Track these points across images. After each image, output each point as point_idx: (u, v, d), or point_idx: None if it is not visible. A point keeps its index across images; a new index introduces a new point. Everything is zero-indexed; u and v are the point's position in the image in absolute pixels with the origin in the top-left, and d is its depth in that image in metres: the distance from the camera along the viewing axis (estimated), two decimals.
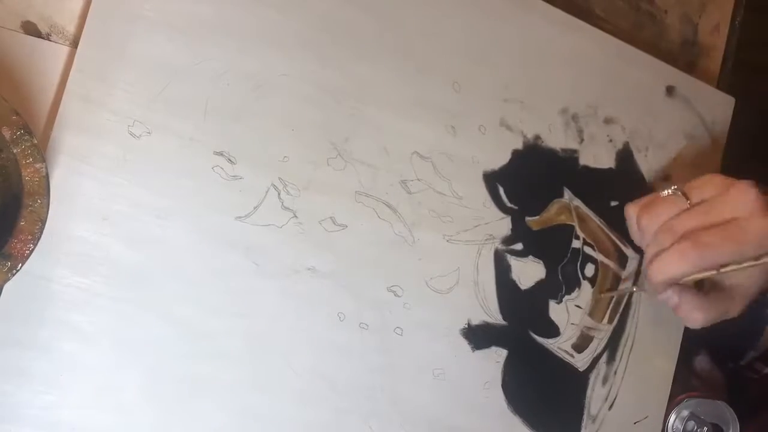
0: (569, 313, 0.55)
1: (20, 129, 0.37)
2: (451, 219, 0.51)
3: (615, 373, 0.56)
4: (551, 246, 0.55)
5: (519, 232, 0.53)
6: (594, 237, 0.56)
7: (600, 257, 0.56)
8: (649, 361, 0.57)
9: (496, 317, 0.53)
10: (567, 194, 0.55)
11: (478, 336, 0.52)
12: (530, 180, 0.54)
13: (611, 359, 0.56)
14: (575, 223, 0.55)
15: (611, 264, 0.57)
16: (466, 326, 0.52)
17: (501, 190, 0.53)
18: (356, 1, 0.49)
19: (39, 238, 0.37)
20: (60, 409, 0.42)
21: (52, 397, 0.42)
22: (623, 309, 0.57)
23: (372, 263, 0.49)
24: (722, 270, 0.46)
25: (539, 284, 0.54)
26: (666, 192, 0.50)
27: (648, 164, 0.58)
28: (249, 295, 0.46)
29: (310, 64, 0.48)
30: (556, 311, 0.55)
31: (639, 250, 0.58)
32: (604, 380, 0.56)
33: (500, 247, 0.53)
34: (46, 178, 0.38)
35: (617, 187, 0.57)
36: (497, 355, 0.53)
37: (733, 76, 0.65)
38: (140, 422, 0.43)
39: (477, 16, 0.52)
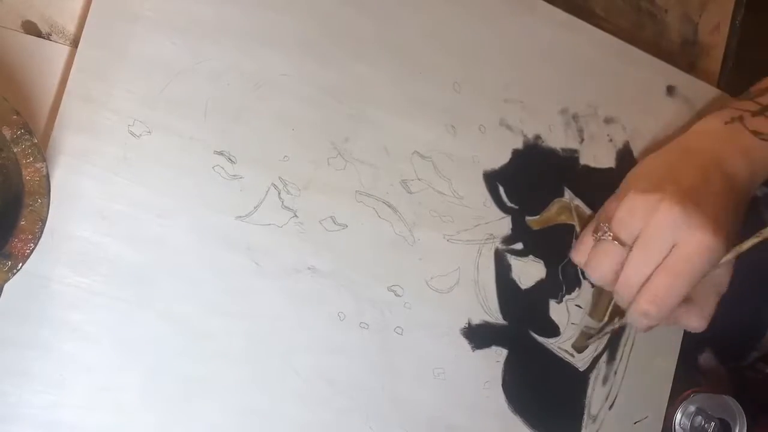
0: (569, 313, 0.55)
1: (20, 128, 0.37)
2: (452, 218, 0.51)
3: (615, 372, 0.56)
4: (552, 245, 0.55)
5: (519, 231, 0.53)
6: None
7: None
8: (649, 361, 0.57)
9: (496, 317, 0.52)
10: (567, 194, 0.55)
11: (478, 335, 0.52)
12: (530, 180, 0.54)
13: (611, 359, 0.56)
14: (576, 223, 0.55)
15: None
16: (467, 326, 0.52)
17: (501, 190, 0.53)
18: (356, 1, 0.49)
19: (39, 238, 0.37)
20: (60, 409, 0.42)
21: (52, 397, 0.42)
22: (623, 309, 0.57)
23: (372, 263, 0.49)
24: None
25: (539, 284, 0.54)
26: (596, 235, 0.50)
27: None
28: (249, 295, 0.46)
29: (311, 64, 0.48)
30: (557, 311, 0.55)
31: None
32: (605, 380, 0.56)
33: (500, 246, 0.53)
34: (47, 177, 0.38)
35: (618, 186, 0.57)
36: (497, 355, 0.52)
37: (733, 76, 0.65)
38: (140, 422, 0.43)
39: (477, 16, 0.52)
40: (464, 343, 0.51)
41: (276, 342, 0.46)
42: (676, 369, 0.58)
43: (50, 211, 0.38)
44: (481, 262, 0.52)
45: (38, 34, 0.43)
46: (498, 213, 0.53)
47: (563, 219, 0.55)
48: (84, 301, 0.42)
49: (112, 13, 0.43)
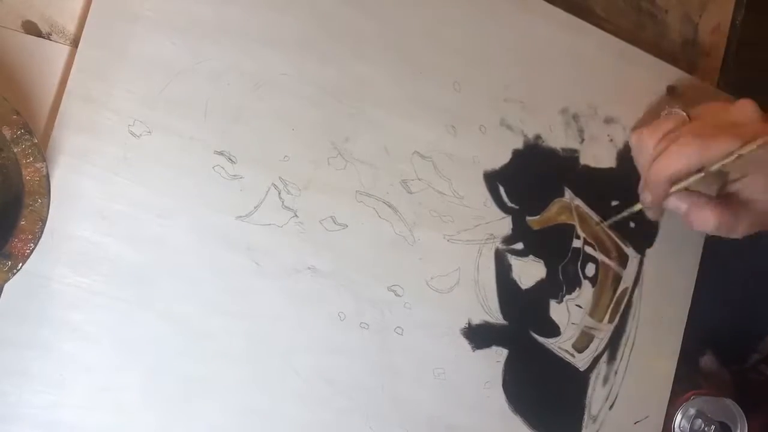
0: (570, 313, 0.55)
1: (21, 128, 0.37)
2: (452, 218, 0.51)
3: (615, 372, 0.56)
4: (552, 245, 0.55)
5: (519, 231, 0.53)
6: (595, 237, 0.56)
7: (600, 257, 0.56)
8: (649, 361, 0.57)
9: (496, 317, 0.52)
10: (568, 194, 0.55)
11: (478, 336, 0.52)
12: (531, 180, 0.54)
13: (612, 359, 0.56)
14: (576, 223, 0.55)
15: (612, 264, 0.57)
16: (467, 326, 0.52)
17: (502, 190, 0.53)
18: (356, 1, 0.49)
19: (39, 238, 0.37)
20: (60, 409, 0.42)
21: (52, 397, 0.42)
22: (624, 309, 0.57)
23: (372, 263, 0.49)
24: (716, 165, 0.46)
25: (540, 284, 0.54)
26: (665, 112, 0.51)
27: None
28: (249, 295, 0.46)
29: (311, 64, 0.48)
30: (557, 311, 0.55)
31: (640, 250, 0.58)
32: (605, 380, 0.56)
33: (501, 246, 0.53)
34: (47, 177, 0.38)
35: (618, 186, 0.57)
36: (498, 355, 0.52)
37: (733, 76, 0.65)
38: (140, 422, 0.43)
39: (477, 16, 0.52)
40: (464, 343, 0.51)
41: (276, 342, 0.46)
42: (677, 371, 0.58)
43: (50, 211, 0.38)
44: (481, 262, 0.52)
45: (38, 34, 0.43)
46: (498, 213, 0.53)
47: (563, 219, 0.55)
48: (84, 301, 0.42)
49: (112, 13, 0.43)
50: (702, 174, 0.47)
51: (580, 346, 0.55)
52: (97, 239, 0.43)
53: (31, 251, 0.37)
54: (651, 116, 0.54)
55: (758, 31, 0.68)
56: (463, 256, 0.52)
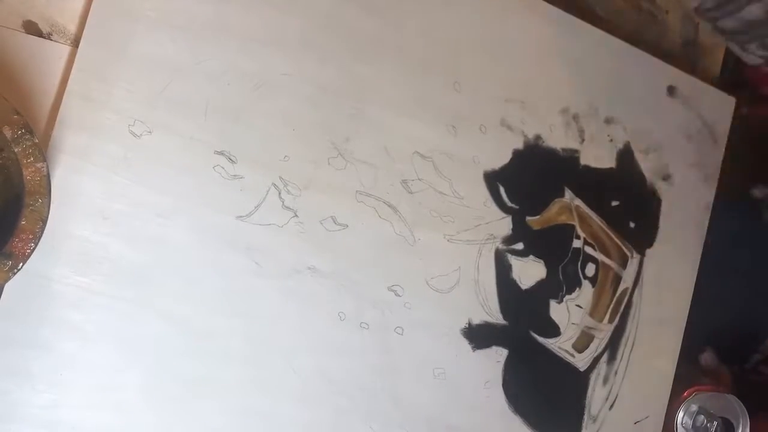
0: (570, 313, 0.55)
1: (21, 128, 0.37)
2: (452, 219, 0.51)
3: (615, 373, 0.56)
4: (552, 246, 0.55)
5: (520, 231, 0.53)
6: (595, 237, 0.56)
7: (601, 257, 0.56)
8: (649, 361, 0.57)
9: (496, 317, 0.52)
10: (568, 194, 0.55)
11: (478, 336, 0.52)
12: (531, 180, 0.54)
13: (612, 359, 0.56)
14: (576, 223, 0.55)
15: (612, 264, 0.57)
16: (467, 326, 0.52)
17: (502, 190, 0.53)
18: (356, 1, 0.49)
19: (40, 238, 0.37)
20: (60, 408, 0.42)
21: (53, 396, 0.42)
22: (624, 309, 0.57)
23: (373, 263, 0.49)
24: None
25: (540, 284, 0.54)
26: None
27: (648, 164, 0.58)
28: (249, 295, 0.46)
29: (311, 64, 0.48)
30: (557, 311, 0.55)
31: (640, 250, 0.58)
32: (605, 380, 0.56)
33: (501, 246, 0.53)
34: (47, 177, 0.38)
35: (618, 187, 0.57)
36: (498, 355, 0.52)
37: (733, 76, 0.65)
38: (140, 421, 0.43)
39: (477, 16, 0.52)
40: (464, 343, 0.51)
41: (276, 342, 0.46)
42: (677, 368, 0.58)
43: (51, 210, 0.38)
44: (481, 262, 0.52)
45: (39, 33, 0.43)
46: (498, 213, 0.53)
47: (563, 219, 0.55)
48: (84, 300, 0.42)
49: (112, 12, 0.43)
50: None
51: (580, 346, 0.55)
52: (98, 239, 0.43)
53: (32, 251, 0.37)
54: None
55: None
56: (463, 256, 0.52)
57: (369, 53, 0.49)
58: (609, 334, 0.56)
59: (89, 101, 0.42)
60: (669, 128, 0.59)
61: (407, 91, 0.50)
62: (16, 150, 0.37)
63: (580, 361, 0.55)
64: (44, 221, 0.38)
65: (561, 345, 0.55)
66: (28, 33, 0.43)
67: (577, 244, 0.55)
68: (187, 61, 0.45)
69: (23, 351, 0.41)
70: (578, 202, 0.56)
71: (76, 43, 0.43)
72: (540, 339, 0.54)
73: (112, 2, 0.43)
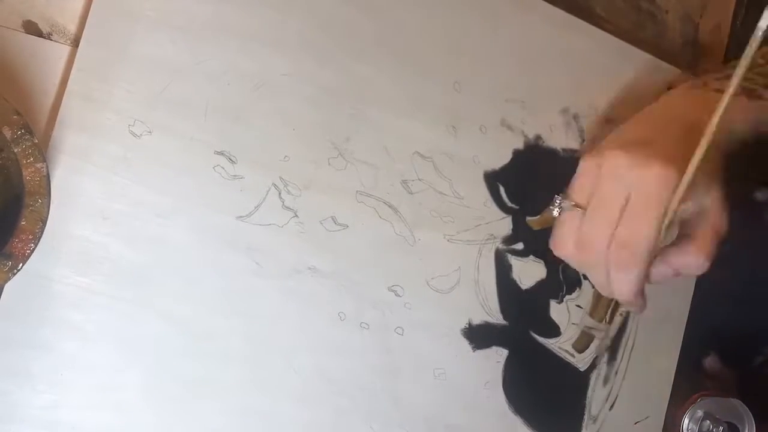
0: (570, 313, 0.55)
1: (21, 128, 0.37)
2: (452, 219, 0.51)
3: (616, 373, 0.56)
4: None
5: (520, 231, 0.53)
6: None
7: None
8: (649, 361, 0.57)
9: (496, 317, 0.52)
10: None
11: (478, 336, 0.52)
12: (531, 180, 0.54)
13: (612, 359, 0.56)
14: None
15: None
16: (467, 326, 0.52)
17: (502, 190, 0.53)
18: (356, 1, 0.49)
19: (40, 238, 0.37)
20: (60, 409, 0.42)
21: (53, 397, 0.42)
22: (624, 309, 0.57)
23: (373, 263, 0.49)
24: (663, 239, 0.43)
25: (540, 284, 0.54)
26: (555, 210, 0.46)
27: None
28: (250, 295, 0.46)
29: (311, 64, 0.48)
30: (557, 311, 0.55)
31: None
32: (605, 380, 0.56)
33: (501, 246, 0.53)
34: (47, 177, 0.38)
35: None
36: (498, 355, 0.52)
37: None
38: (140, 422, 0.43)
39: (477, 16, 0.52)
40: (465, 344, 0.51)
41: (276, 342, 0.46)
42: (682, 373, 0.58)
43: (51, 211, 0.38)
44: (481, 262, 0.52)
45: (39, 34, 0.43)
46: (498, 213, 0.53)
47: None
48: (84, 300, 0.42)
49: (112, 12, 0.43)
50: (675, 211, 0.43)
51: (580, 346, 0.55)
52: (98, 239, 0.43)
53: (32, 251, 0.37)
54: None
55: None
56: (463, 256, 0.52)
57: (369, 53, 0.49)
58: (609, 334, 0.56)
59: (89, 101, 0.42)
60: None
61: (407, 91, 0.50)
62: (15, 150, 0.37)
63: (580, 361, 0.55)
64: (44, 221, 0.38)
65: (561, 345, 0.55)
66: (28, 33, 0.43)
67: None
68: (187, 62, 0.45)
69: (23, 351, 0.41)
70: None
71: (76, 43, 0.43)
72: (540, 339, 0.54)
73: (112, 2, 0.43)
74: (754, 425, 0.57)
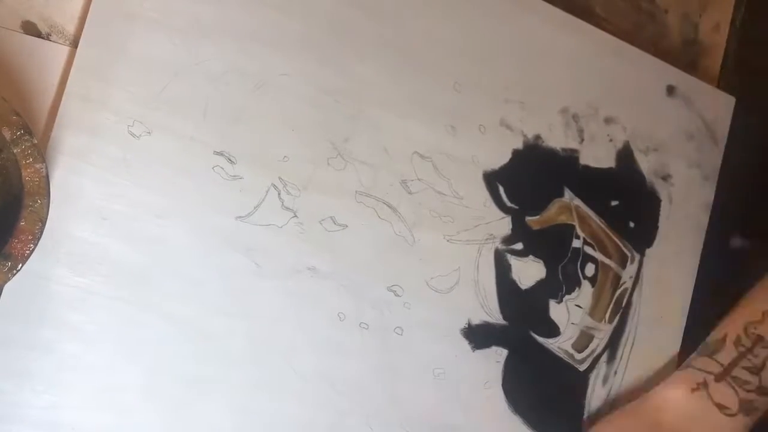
0: (569, 313, 0.55)
1: (20, 129, 0.37)
2: (452, 219, 0.51)
3: (615, 372, 0.56)
4: (551, 246, 0.55)
5: (519, 231, 0.53)
6: (594, 237, 0.56)
7: (600, 257, 0.56)
8: (649, 361, 0.57)
9: (496, 317, 0.52)
10: (567, 194, 0.55)
11: (478, 336, 0.52)
12: (530, 180, 0.54)
13: (611, 359, 0.56)
14: (575, 223, 0.55)
15: (611, 264, 0.57)
16: (467, 326, 0.52)
17: (501, 190, 0.53)
18: (357, 1, 0.49)
19: (39, 238, 0.37)
20: (60, 409, 0.42)
21: (53, 397, 0.42)
22: (624, 309, 0.57)
23: (372, 263, 0.49)
24: None
25: (539, 284, 0.54)
26: None
27: (648, 164, 0.58)
28: (249, 295, 0.46)
29: (310, 64, 0.48)
30: (557, 311, 0.55)
31: (640, 250, 0.58)
32: (605, 380, 0.56)
33: (500, 246, 0.53)
34: (46, 178, 0.38)
35: (618, 186, 0.57)
36: (497, 355, 0.52)
37: (733, 76, 0.65)
38: (141, 422, 0.43)
39: (477, 16, 0.52)
40: (464, 344, 0.51)
41: (276, 342, 0.46)
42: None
43: (50, 211, 0.38)
44: (481, 262, 0.52)
45: (38, 34, 0.43)
46: (498, 213, 0.53)
47: (563, 219, 0.55)
48: (84, 301, 0.42)
49: (111, 13, 0.43)
50: None
51: (580, 346, 0.55)
52: (97, 240, 0.43)
53: (31, 252, 0.37)
54: None
55: (758, 31, 0.68)
56: (462, 256, 0.52)
57: (369, 53, 0.49)
58: (609, 334, 0.56)
59: (88, 102, 0.42)
60: (668, 128, 0.59)
61: (407, 91, 0.50)
62: (15, 151, 0.37)
63: (580, 361, 0.55)
64: (43, 222, 0.38)
65: (561, 345, 0.55)
66: (26, 33, 0.43)
67: (576, 244, 0.55)
68: (186, 62, 0.45)
69: (23, 352, 0.41)
70: (578, 202, 0.56)
71: (75, 43, 0.43)
72: (540, 339, 0.54)
73: (111, 2, 0.43)
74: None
